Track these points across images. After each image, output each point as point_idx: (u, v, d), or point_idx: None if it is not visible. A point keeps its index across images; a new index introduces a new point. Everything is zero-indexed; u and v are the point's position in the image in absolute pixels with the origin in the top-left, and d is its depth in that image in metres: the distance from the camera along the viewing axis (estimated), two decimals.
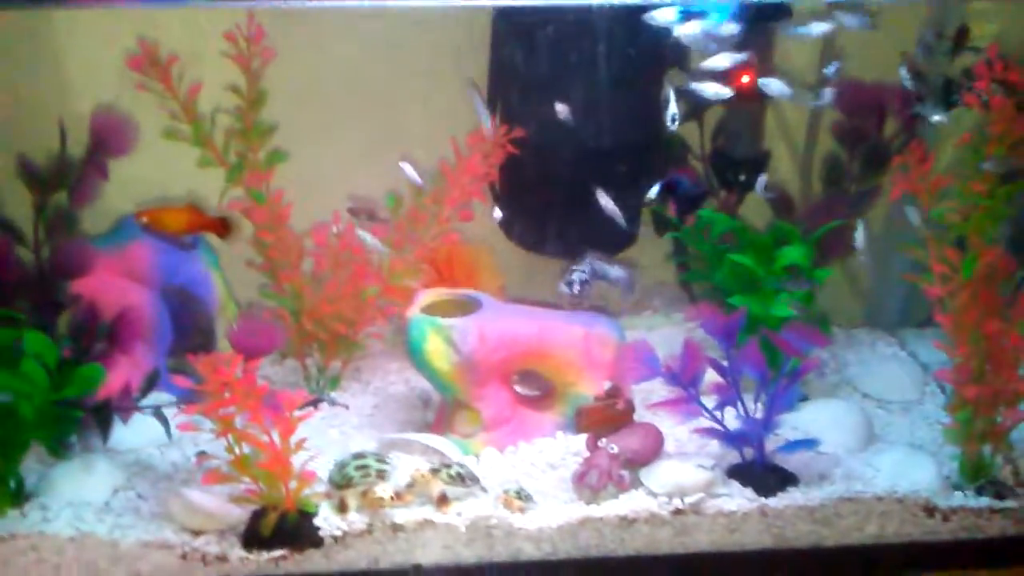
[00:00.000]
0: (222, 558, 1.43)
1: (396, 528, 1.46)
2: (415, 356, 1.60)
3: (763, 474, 1.51)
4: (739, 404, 1.48)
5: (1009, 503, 1.52)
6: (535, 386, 1.65)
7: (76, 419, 1.45)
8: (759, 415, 1.48)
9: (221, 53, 1.63)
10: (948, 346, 1.43)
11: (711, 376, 1.47)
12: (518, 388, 1.65)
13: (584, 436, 1.56)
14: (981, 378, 1.42)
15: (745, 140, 1.80)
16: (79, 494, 1.50)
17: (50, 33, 1.75)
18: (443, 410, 1.70)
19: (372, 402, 1.81)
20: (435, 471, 1.50)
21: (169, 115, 1.61)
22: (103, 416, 1.48)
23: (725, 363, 1.46)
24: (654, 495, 1.50)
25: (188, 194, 1.72)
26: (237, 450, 1.41)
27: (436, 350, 1.59)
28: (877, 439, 1.65)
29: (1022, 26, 1.67)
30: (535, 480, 1.56)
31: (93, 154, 1.53)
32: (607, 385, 1.54)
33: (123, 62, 1.54)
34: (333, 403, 1.77)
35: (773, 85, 1.56)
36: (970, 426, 1.47)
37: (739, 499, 1.50)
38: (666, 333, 1.79)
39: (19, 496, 1.46)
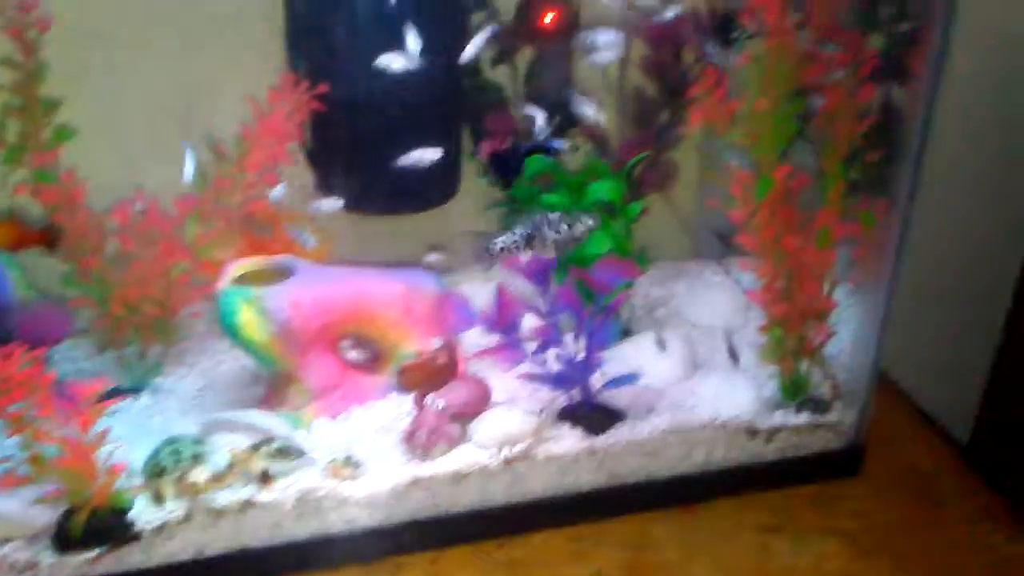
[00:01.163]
0: (32, 564, 1.34)
1: (218, 513, 1.39)
2: (228, 330, 1.52)
3: (590, 413, 1.51)
4: (560, 346, 1.46)
5: (830, 417, 1.57)
6: (361, 348, 1.60)
7: None
8: (579, 354, 1.47)
9: None
10: (754, 267, 1.45)
11: (534, 321, 1.46)
12: (343, 352, 1.60)
13: (409, 394, 1.53)
14: (788, 296, 1.45)
15: (559, 80, 1.77)
16: None
17: None
18: (270, 384, 1.63)
19: (199, 384, 1.72)
20: (255, 448, 1.44)
21: None
22: None
23: (543, 305, 1.44)
24: (484, 447, 1.48)
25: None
26: (32, 448, 1.32)
27: (249, 322, 1.51)
28: (702, 367, 1.67)
29: None
30: (369, 445, 1.52)
31: None
32: (438, 341, 1.51)
33: None
34: (149, 389, 1.68)
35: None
36: (782, 344, 1.50)
37: (569, 441, 1.50)
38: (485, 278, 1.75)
39: None
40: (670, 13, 1.56)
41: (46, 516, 1.37)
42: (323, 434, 1.54)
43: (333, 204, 1.65)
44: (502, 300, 1.40)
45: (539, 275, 1.41)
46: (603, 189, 1.53)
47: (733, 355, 1.61)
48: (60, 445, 1.31)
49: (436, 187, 1.72)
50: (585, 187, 1.54)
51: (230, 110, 1.63)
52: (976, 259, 2.12)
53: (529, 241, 1.39)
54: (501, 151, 1.62)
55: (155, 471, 1.42)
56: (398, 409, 1.58)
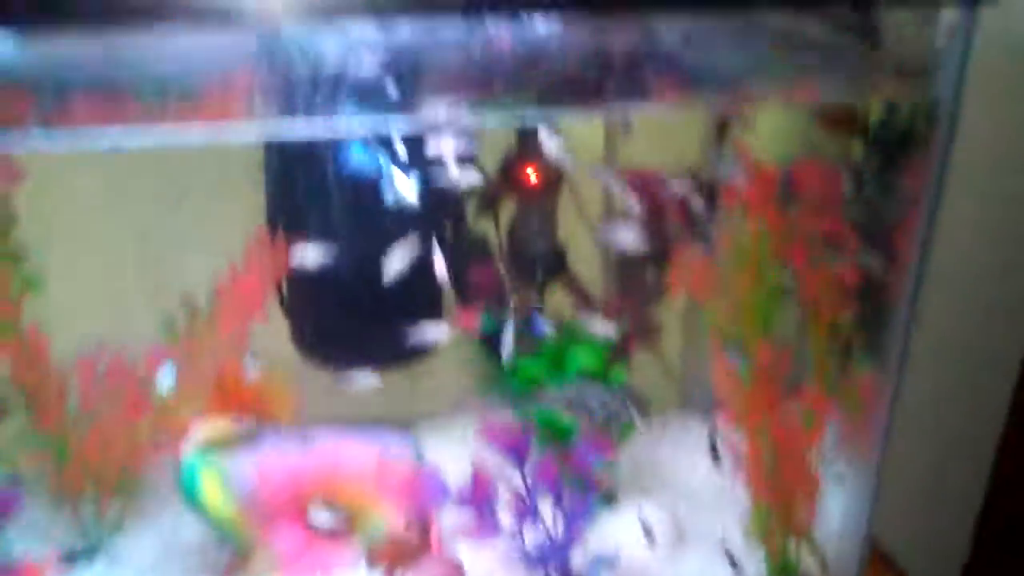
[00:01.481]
0: None
1: None
2: (191, 502, 1.46)
3: None
4: (537, 523, 1.40)
5: None
6: (329, 517, 1.53)
7: None
8: (559, 531, 1.40)
9: None
10: (739, 442, 1.40)
11: (508, 496, 1.39)
12: (312, 520, 1.53)
13: (381, 569, 1.45)
14: (774, 475, 1.40)
15: (541, 235, 1.75)
16: None
17: None
18: (234, 552, 1.55)
19: (158, 546, 1.63)
20: None
21: None
22: None
23: (519, 481, 1.38)
24: None
25: None
26: None
27: (213, 493, 1.45)
28: (686, 538, 1.60)
29: None
30: None
31: None
32: (402, 513, 1.44)
33: None
34: (102, 555, 1.59)
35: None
36: (767, 524, 1.44)
37: None
38: (465, 442, 1.70)
39: None
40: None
41: None
42: None
43: None
44: (477, 479, 1.34)
45: (514, 450, 1.36)
46: (584, 356, 1.50)
47: (715, 454, 1.55)
48: None
49: (411, 344, 1.68)
50: (564, 353, 1.51)
51: (204, 265, 1.61)
52: (959, 430, 2.10)
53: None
54: (488, 335, 1.58)
55: None
56: None
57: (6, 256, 1.54)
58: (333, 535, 1.55)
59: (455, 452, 1.53)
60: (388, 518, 1.50)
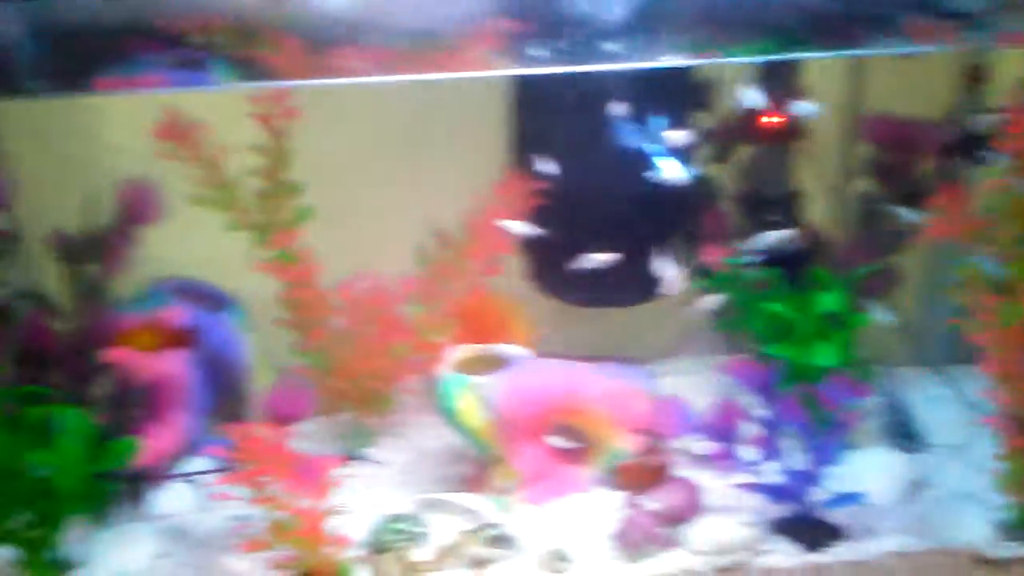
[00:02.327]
0: None
1: None
2: (447, 415, 1.59)
3: (808, 528, 1.47)
4: (781, 457, 1.44)
5: None
6: (570, 441, 1.63)
7: (114, 491, 1.46)
8: (801, 467, 1.44)
9: (246, 114, 1.64)
10: (994, 392, 1.38)
11: (752, 429, 1.44)
12: (553, 443, 1.63)
13: (623, 492, 1.54)
14: None
15: (775, 180, 1.76)
16: (121, 562, 1.50)
17: (81, 111, 1.78)
18: (478, 467, 1.68)
19: (407, 458, 1.79)
20: (473, 533, 1.48)
21: (195, 181, 1.62)
22: (141, 485, 1.49)
23: (764, 415, 1.43)
24: (696, 552, 1.47)
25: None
26: (272, 517, 1.41)
27: (468, 408, 1.57)
28: (925, 486, 1.60)
29: None
30: (575, 539, 1.53)
31: (122, 224, 1.54)
32: (643, 440, 1.52)
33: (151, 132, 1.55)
34: (366, 460, 1.76)
35: (803, 107, 1.52)
36: (1020, 475, 1.42)
37: (784, 555, 1.46)
38: (699, 379, 1.75)
39: (61, 567, 1.47)
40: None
41: None
42: (532, 523, 1.57)
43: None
44: (724, 407, 1.39)
45: (762, 385, 1.40)
46: (830, 301, 1.51)
47: (905, 436, 1.54)
48: (296, 516, 1.40)
49: (646, 284, 1.74)
50: (808, 296, 1.53)
51: (454, 203, 1.73)
52: None
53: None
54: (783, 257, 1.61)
55: (379, 547, 1.48)
56: (604, 504, 1.59)
57: (283, 188, 1.71)
58: (571, 457, 1.65)
59: (693, 386, 1.60)
60: (625, 445, 1.59)
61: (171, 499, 1.58)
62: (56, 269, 1.53)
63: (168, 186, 1.60)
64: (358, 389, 1.77)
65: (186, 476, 1.52)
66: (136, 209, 1.53)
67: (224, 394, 1.74)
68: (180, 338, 1.64)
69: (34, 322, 1.45)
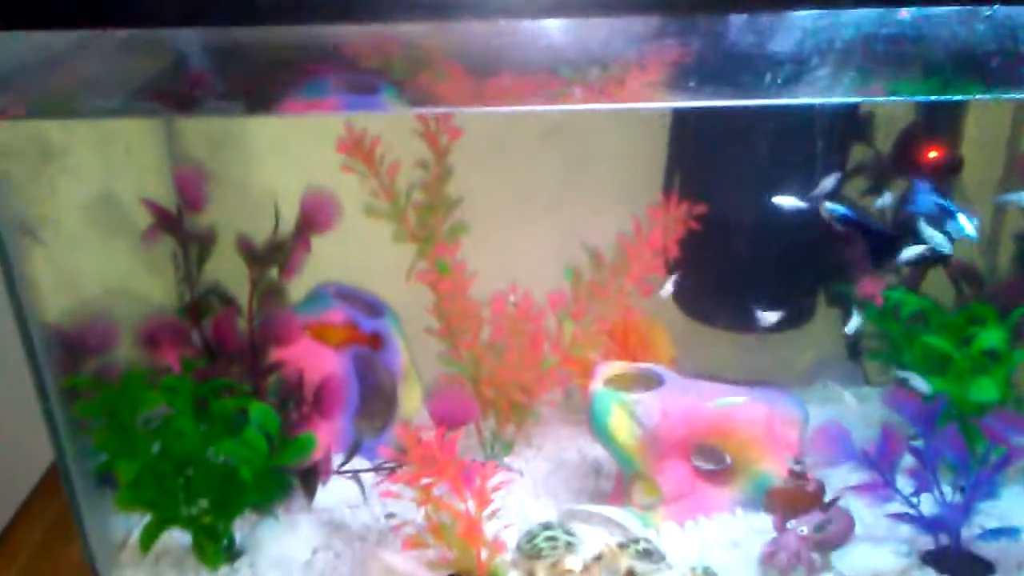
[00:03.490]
0: None
1: None
2: (598, 430, 1.63)
3: (959, 561, 1.48)
4: (935, 489, 1.46)
5: None
6: (714, 461, 1.67)
7: (286, 482, 1.55)
8: (956, 500, 1.45)
9: (412, 131, 1.73)
10: None
11: (909, 460, 1.46)
12: (697, 463, 1.67)
13: (769, 514, 1.57)
14: None
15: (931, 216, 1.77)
16: (283, 552, 1.59)
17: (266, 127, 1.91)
18: (620, 481, 1.72)
19: (545, 468, 1.85)
20: (623, 546, 1.53)
21: (370, 193, 1.71)
22: (310, 480, 1.58)
23: (921, 446, 1.44)
24: None
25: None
26: (435, 518, 1.48)
27: (620, 424, 1.62)
28: None
29: None
30: (718, 557, 1.57)
31: (301, 230, 1.63)
32: (791, 465, 1.54)
33: (333, 147, 1.65)
34: (508, 469, 1.82)
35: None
36: None
37: None
38: (838, 409, 1.77)
39: (231, 553, 1.56)
40: None
41: None
42: (676, 540, 1.61)
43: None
44: (888, 438, 1.42)
45: (922, 416, 1.42)
46: (992, 337, 1.52)
47: None
48: (457, 518, 1.46)
49: (794, 310, 1.77)
50: (966, 330, 1.54)
51: (605, 224, 1.78)
52: None
53: None
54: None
55: (532, 553, 1.54)
56: (747, 526, 1.63)
57: (443, 204, 1.80)
58: (716, 479, 1.69)
59: (836, 415, 1.61)
60: (772, 471, 1.61)
61: (330, 494, 1.66)
62: (239, 272, 1.63)
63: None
64: (502, 400, 1.83)
65: (348, 473, 1.60)
66: (315, 217, 1.63)
67: (378, 397, 1.84)
68: (365, 340, 1.73)
69: (222, 320, 1.55)
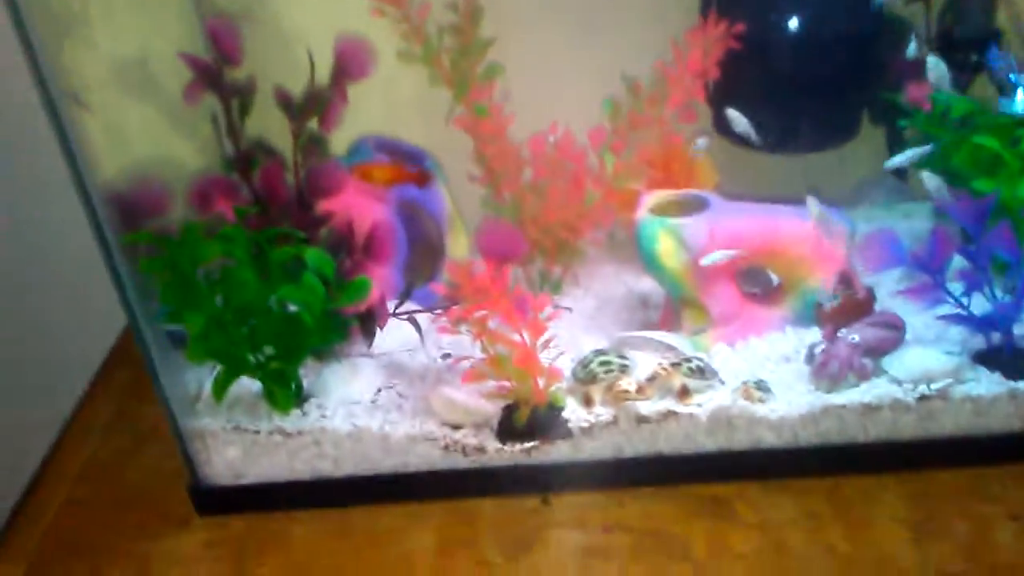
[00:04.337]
0: (480, 449, 1.56)
1: (640, 419, 1.55)
2: (646, 257, 1.65)
3: (1012, 358, 1.50)
4: (987, 289, 1.46)
5: None
6: (762, 282, 1.68)
7: (349, 327, 1.60)
8: (1007, 298, 1.46)
9: None
10: None
11: (960, 261, 1.46)
12: (746, 285, 1.69)
13: (820, 329, 1.60)
14: None
15: (974, 18, 1.71)
16: (349, 394, 1.65)
17: None
18: (668, 308, 1.75)
19: (594, 304, 1.88)
20: (675, 365, 1.57)
21: (402, 37, 1.69)
22: (368, 323, 1.63)
23: (972, 247, 1.44)
24: (898, 382, 1.52)
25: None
26: (491, 350, 1.53)
27: (667, 250, 1.63)
28: None
29: None
30: (771, 373, 1.60)
31: (337, 79, 1.62)
32: (845, 275, 1.55)
33: None
34: (557, 307, 1.85)
35: None
36: None
37: (987, 383, 1.51)
38: (886, 225, 1.76)
39: (299, 397, 1.64)
40: None
41: (491, 409, 1.59)
42: (726, 360, 1.65)
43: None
44: (939, 240, 1.41)
45: (974, 216, 1.41)
46: None
47: None
48: (513, 349, 1.51)
49: (836, 129, 1.74)
50: (1014, 130, 1.51)
51: (643, 50, 1.74)
52: None
53: None
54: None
55: (587, 378, 1.59)
56: (798, 342, 1.66)
57: (477, 45, 1.77)
58: (765, 299, 1.71)
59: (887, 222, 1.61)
60: (820, 286, 1.63)
61: (388, 338, 1.71)
62: (280, 124, 1.64)
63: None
64: (548, 240, 1.85)
65: (404, 316, 1.65)
66: (350, 65, 1.61)
67: (426, 245, 1.87)
68: (412, 177, 1.74)
69: (270, 171, 1.57)
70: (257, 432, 1.59)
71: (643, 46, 1.74)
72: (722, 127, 1.82)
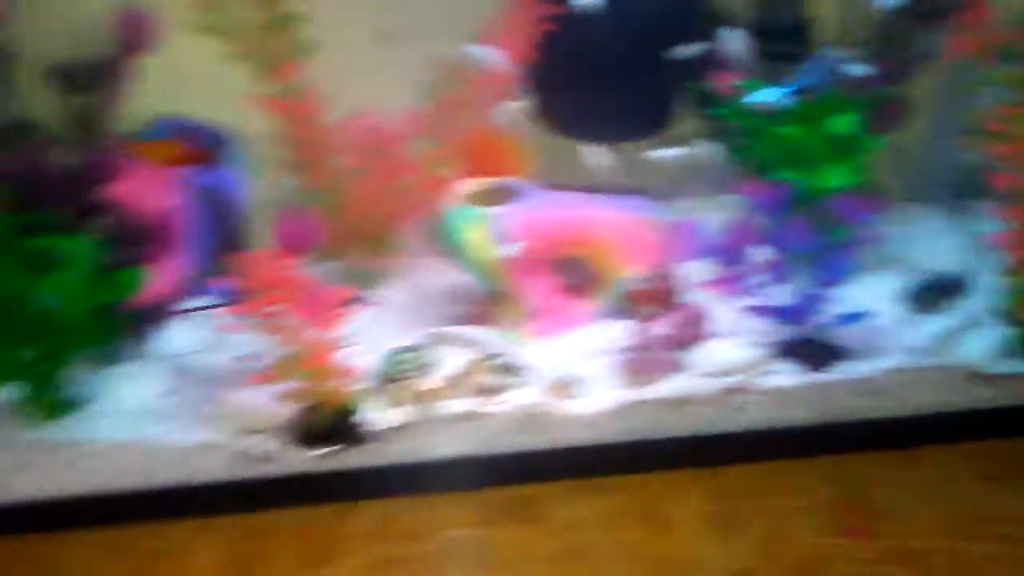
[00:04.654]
0: (271, 456, 1.45)
1: (444, 420, 1.47)
2: (455, 248, 1.58)
3: (813, 349, 1.50)
4: (788, 280, 1.46)
5: None
6: (578, 274, 1.64)
7: (119, 325, 1.45)
8: (808, 289, 1.46)
9: None
10: (1002, 209, 1.39)
11: (760, 253, 1.45)
12: (561, 276, 1.64)
13: (631, 320, 1.56)
14: None
15: (786, 8, 1.71)
16: (131, 399, 1.51)
17: None
18: (484, 302, 1.68)
19: (412, 298, 1.79)
20: (481, 362, 1.50)
21: (194, 8, 1.55)
22: (148, 321, 1.49)
23: (773, 237, 1.43)
24: (703, 375, 1.50)
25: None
26: (281, 349, 1.41)
27: (477, 241, 1.56)
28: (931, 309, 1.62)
29: None
30: (583, 367, 1.55)
31: (120, 53, 1.48)
32: (654, 266, 1.52)
33: None
34: (360, 301, 1.76)
35: None
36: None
37: (789, 375, 1.50)
38: (709, 212, 1.75)
39: (67, 405, 1.48)
40: None
41: (284, 412, 1.47)
42: (539, 353, 1.59)
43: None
44: (736, 230, 1.39)
45: (775, 205, 1.40)
46: (843, 123, 1.49)
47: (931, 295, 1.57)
48: (308, 347, 1.40)
49: (646, 119, 1.71)
50: (819, 118, 1.50)
51: (456, 31, 1.67)
52: None
53: None
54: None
55: (388, 378, 1.50)
56: (612, 333, 1.61)
57: (280, 20, 1.64)
58: (579, 289, 1.66)
59: (702, 217, 1.59)
60: (633, 273, 1.59)
61: (177, 337, 1.58)
62: (52, 98, 1.48)
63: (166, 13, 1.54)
64: (363, 230, 1.75)
65: (193, 311, 1.52)
66: (134, 37, 1.47)
67: (225, 234, 1.73)
68: (199, 156, 1.59)
69: (31, 151, 1.41)
70: (20, 444, 1.43)
71: (462, 30, 1.67)
72: (543, 116, 1.77)
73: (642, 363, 1.48)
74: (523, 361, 1.53)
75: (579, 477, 1.49)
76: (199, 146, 1.68)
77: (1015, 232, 1.41)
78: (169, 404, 1.52)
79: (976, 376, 1.49)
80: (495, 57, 1.58)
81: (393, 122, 1.67)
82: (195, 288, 1.54)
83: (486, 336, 1.58)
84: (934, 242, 1.78)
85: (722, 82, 1.54)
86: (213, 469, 1.45)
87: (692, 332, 1.51)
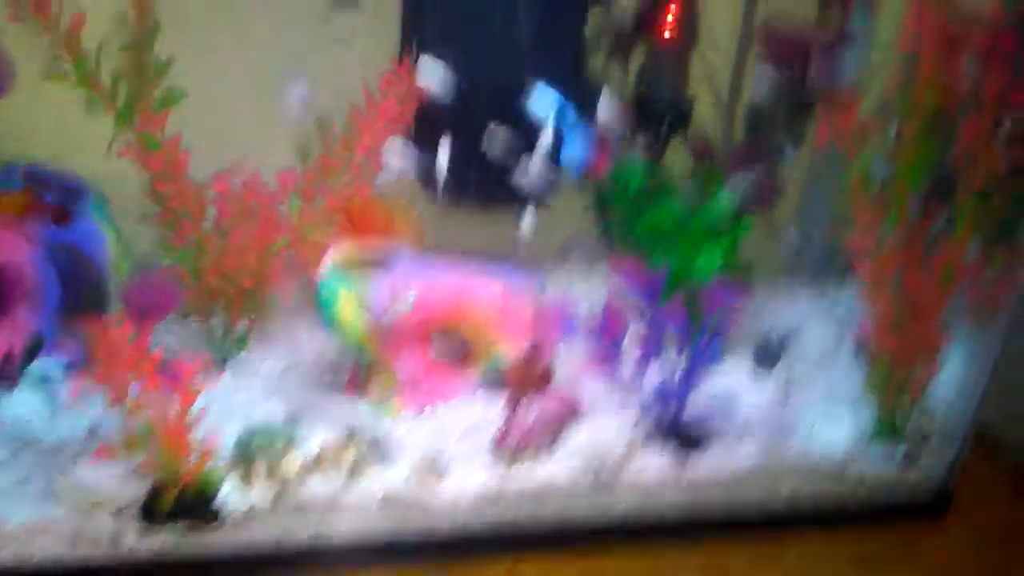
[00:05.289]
0: (116, 538, 1.34)
1: (304, 503, 1.39)
2: (326, 316, 1.51)
3: (682, 436, 1.49)
4: (660, 364, 1.44)
5: (922, 459, 1.53)
6: (453, 346, 1.59)
7: None
8: (679, 371, 1.45)
9: None
10: (867, 297, 1.42)
11: (634, 334, 1.44)
12: (435, 349, 1.58)
13: (504, 398, 1.51)
14: (900, 329, 1.42)
15: (670, 85, 1.73)
16: None
17: None
18: (355, 373, 1.61)
19: (281, 365, 1.70)
20: (346, 440, 1.43)
21: (50, 52, 1.45)
22: None
23: (646, 319, 1.42)
24: (573, 458, 1.46)
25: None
26: (131, 422, 1.31)
27: (348, 309, 1.50)
28: (796, 394, 1.64)
29: None
30: (453, 444, 1.51)
31: None
32: (527, 345, 1.49)
33: None
34: (238, 366, 1.67)
35: None
36: (887, 378, 1.47)
37: (657, 462, 1.49)
38: (587, 287, 1.73)
39: None
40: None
41: (132, 490, 1.37)
42: (409, 430, 1.53)
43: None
44: (609, 315, 1.38)
45: (648, 288, 1.38)
46: (715, 205, 1.50)
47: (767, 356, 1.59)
48: (158, 421, 1.31)
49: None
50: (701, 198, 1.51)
51: (339, 91, 1.61)
52: None
53: None
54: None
55: (248, 455, 1.41)
56: (485, 410, 1.57)
57: (150, 67, 1.55)
58: (453, 362, 1.61)
59: (577, 291, 1.57)
60: (509, 351, 1.55)
61: (16, 403, 1.45)
62: None
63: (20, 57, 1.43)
64: (231, 290, 1.66)
65: (34, 378, 1.40)
66: None
67: (80, 292, 1.61)
68: (50, 211, 1.47)
69: None
70: None
71: (342, 86, 1.61)
72: (422, 176, 1.72)
73: (512, 442, 1.44)
74: (392, 439, 1.47)
75: (449, 561, 1.43)
76: (52, 197, 1.57)
77: (876, 319, 1.44)
78: (4, 478, 1.39)
79: (838, 470, 1.50)
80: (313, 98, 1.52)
81: (266, 180, 1.60)
82: (39, 351, 1.42)
83: (355, 409, 1.51)
84: (803, 321, 1.82)
85: (595, 164, 1.53)
86: (51, 551, 1.33)
87: (565, 413, 1.48)
